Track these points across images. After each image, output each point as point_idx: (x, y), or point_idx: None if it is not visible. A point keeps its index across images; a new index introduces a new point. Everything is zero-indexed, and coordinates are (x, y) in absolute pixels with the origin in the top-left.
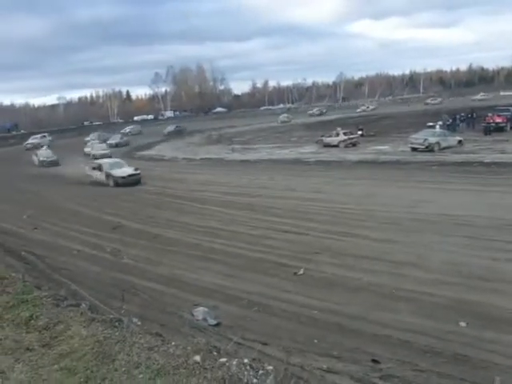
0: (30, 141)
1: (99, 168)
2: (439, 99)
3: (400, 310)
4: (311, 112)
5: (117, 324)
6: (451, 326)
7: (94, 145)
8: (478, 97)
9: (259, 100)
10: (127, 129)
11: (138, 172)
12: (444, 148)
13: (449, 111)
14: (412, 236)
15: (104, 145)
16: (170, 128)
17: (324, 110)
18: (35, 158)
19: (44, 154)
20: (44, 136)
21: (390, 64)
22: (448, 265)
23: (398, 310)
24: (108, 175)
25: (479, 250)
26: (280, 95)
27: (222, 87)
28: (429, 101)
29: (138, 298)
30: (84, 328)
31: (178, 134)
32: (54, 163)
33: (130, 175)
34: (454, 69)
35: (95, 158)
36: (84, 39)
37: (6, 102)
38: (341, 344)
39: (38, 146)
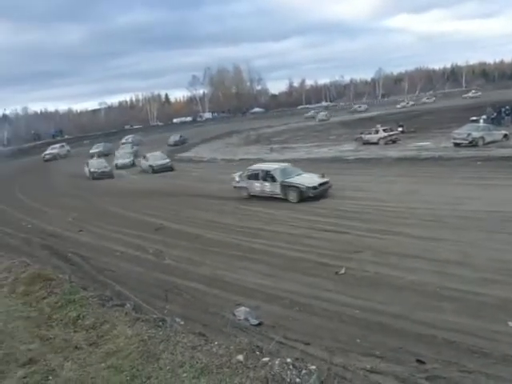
0: (49, 151)
1: (266, 177)
2: (433, 98)
3: (445, 310)
4: (307, 115)
5: (160, 324)
6: (499, 326)
7: (150, 155)
8: (470, 94)
9: (296, 99)
10: (129, 138)
11: (327, 180)
12: (489, 143)
13: (492, 104)
14: (456, 233)
15: (162, 154)
16: (175, 137)
17: (327, 115)
18: (86, 169)
19: (95, 164)
20: (63, 146)
21: (430, 58)
22: (495, 262)
23: (442, 309)
24: (287, 186)
25: None
26: (317, 94)
27: (259, 87)
28: (425, 99)
29: (181, 298)
30: (129, 327)
31: (182, 143)
32: (107, 175)
33: (321, 184)
34: (497, 61)
35: (154, 170)
36: (122, 45)
37: (51, 108)
38: (384, 344)
39: (57, 157)
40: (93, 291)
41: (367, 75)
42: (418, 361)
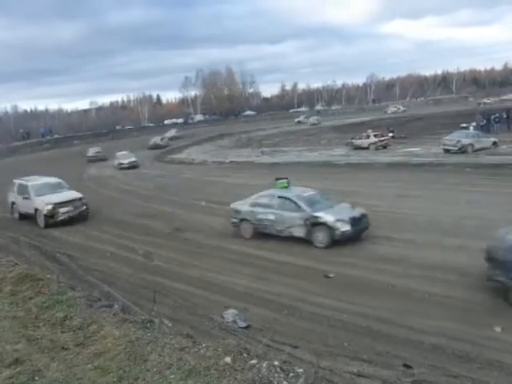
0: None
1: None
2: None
3: (432, 315)
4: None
5: (148, 325)
6: (485, 331)
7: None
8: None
9: (288, 102)
10: None
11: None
12: (478, 150)
13: (482, 112)
14: (445, 239)
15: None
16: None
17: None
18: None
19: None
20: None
21: (422, 64)
22: (483, 269)
23: (430, 314)
24: None
25: None
26: (310, 97)
27: (251, 90)
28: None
29: (169, 299)
30: (116, 328)
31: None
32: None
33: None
34: (488, 68)
35: None
36: (115, 44)
37: (41, 107)
38: (371, 348)
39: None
40: (81, 292)
41: (360, 80)
42: (405, 365)
